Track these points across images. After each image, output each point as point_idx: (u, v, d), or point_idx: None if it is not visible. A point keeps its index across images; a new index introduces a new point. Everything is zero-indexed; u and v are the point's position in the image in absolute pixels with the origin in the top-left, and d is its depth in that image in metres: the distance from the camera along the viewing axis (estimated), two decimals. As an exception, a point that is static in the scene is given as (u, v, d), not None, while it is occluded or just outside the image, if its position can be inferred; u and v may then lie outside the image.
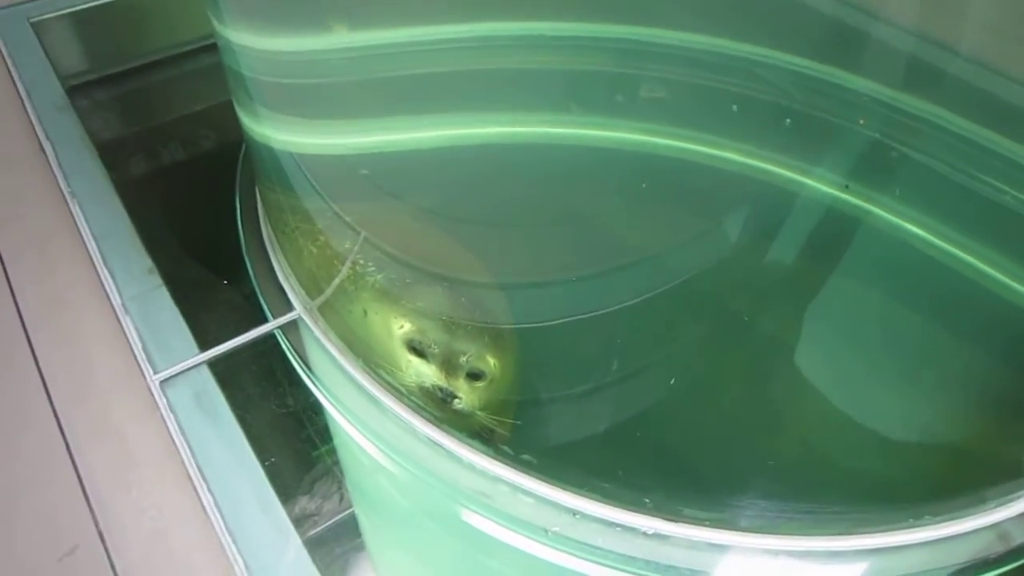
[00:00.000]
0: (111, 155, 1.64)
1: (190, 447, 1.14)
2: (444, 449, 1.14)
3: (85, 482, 1.11)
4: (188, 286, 1.38)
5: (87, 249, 1.38)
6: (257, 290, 1.35)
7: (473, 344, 1.03)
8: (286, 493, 1.12)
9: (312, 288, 1.29)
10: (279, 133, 1.22)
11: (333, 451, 1.19)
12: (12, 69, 1.71)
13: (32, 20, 1.84)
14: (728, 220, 1.21)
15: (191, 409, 1.18)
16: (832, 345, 1.23)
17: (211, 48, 1.81)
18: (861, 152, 1.19)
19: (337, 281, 1.22)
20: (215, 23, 1.21)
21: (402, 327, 1.05)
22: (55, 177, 1.50)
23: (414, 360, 1.05)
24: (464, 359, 1.02)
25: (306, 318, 1.29)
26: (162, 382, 1.20)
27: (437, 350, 1.03)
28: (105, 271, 1.34)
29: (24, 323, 1.28)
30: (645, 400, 1.20)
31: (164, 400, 1.18)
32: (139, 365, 1.23)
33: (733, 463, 1.15)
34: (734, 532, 1.05)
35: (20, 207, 1.46)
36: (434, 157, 1.17)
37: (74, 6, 1.87)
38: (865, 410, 1.17)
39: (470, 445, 1.13)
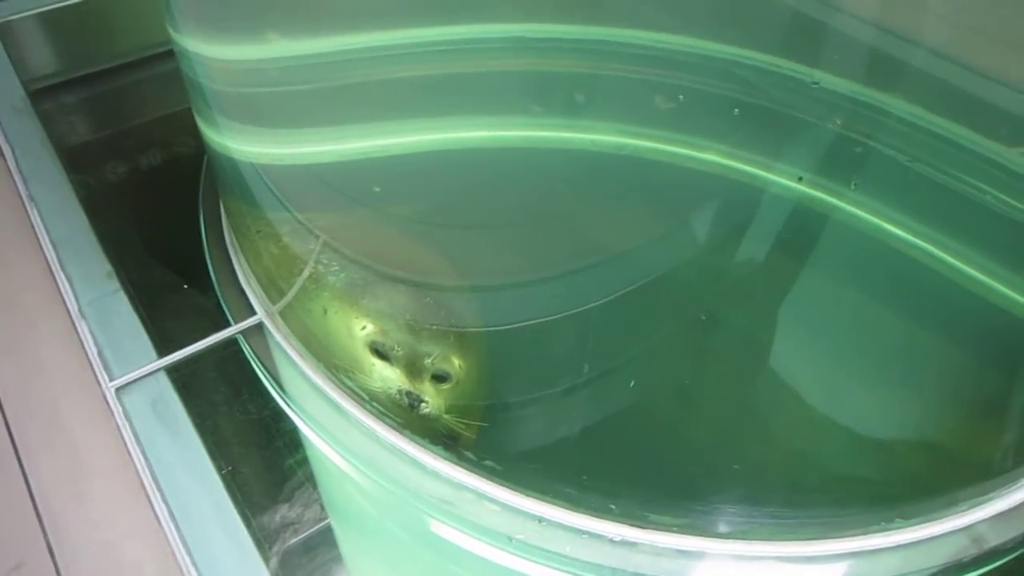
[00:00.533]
0: (73, 159, 1.61)
1: (145, 457, 1.10)
2: (407, 456, 1.11)
3: (35, 493, 1.07)
4: (149, 291, 1.34)
5: (44, 254, 1.35)
6: (219, 294, 1.32)
7: (437, 345, 1.00)
8: (244, 503, 1.09)
9: (274, 292, 1.26)
10: (239, 143, 1.19)
11: (296, 460, 1.16)
12: (-30, 71, 1.68)
13: (-6, 22, 1.81)
14: (700, 219, 1.19)
15: (147, 417, 1.15)
16: (805, 344, 1.21)
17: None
18: (826, 147, 1.17)
19: (299, 284, 1.19)
20: (171, 31, 1.18)
21: (364, 328, 1.01)
22: (14, 182, 1.47)
23: (377, 363, 1.02)
24: (429, 361, 0.99)
25: (268, 322, 1.26)
26: (118, 389, 1.17)
27: (401, 352, 1.00)
28: (62, 276, 1.31)
29: (-24, 331, 1.25)
30: (612, 404, 1.18)
31: (119, 408, 1.15)
32: (94, 372, 1.19)
33: (702, 467, 1.12)
34: (703, 538, 1.03)
35: (-24, 212, 1.42)
36: (399, 163, 1.15)
37: (40, 7, 1.83)
38: (837, 410, 1.15)
39: (434, 451, 1.10)
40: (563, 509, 1.05)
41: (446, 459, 1.09)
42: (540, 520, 1.06)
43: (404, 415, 1.09)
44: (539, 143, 1.18)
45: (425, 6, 1.13)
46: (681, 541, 1.03)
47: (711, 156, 1.23)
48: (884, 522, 1.05)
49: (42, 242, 1.36)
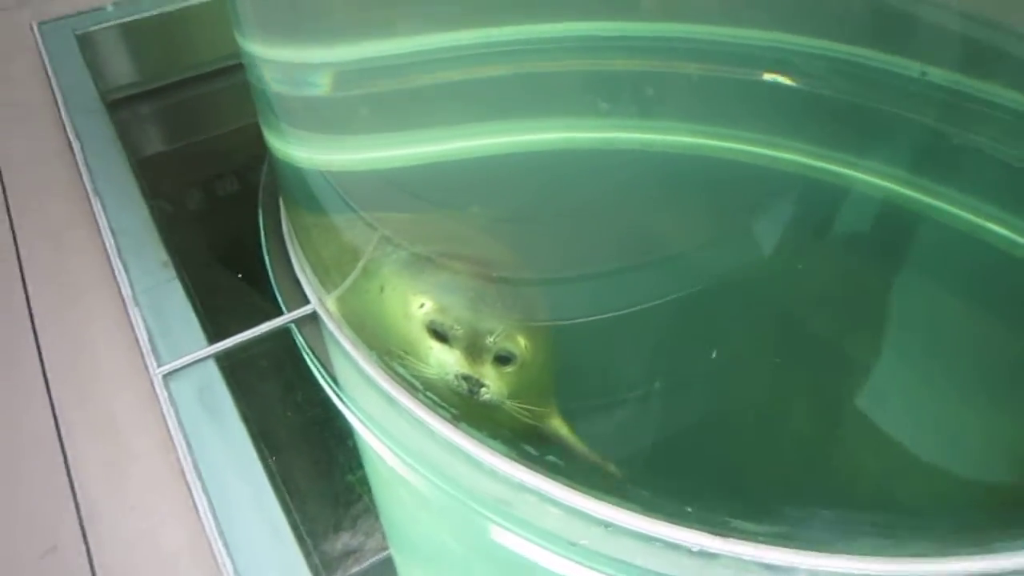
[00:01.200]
0: (143, 158, 1.62)
1: (188, 443, 1.05)
2: (462, 452, 1.02)
3: (74, 477, 1.02)
4: (205, 282, 1.31)
5: (103, 242, 1.33)
6: (273, 283, 1.27)
7: (500, 323, 0.91)
8: (287, 495, 1.01)
9: (329, 281, 1.21)
10: (304, 151, 1.16)
11: (344, 452, 1.09)
12: (51, 75, 1.71)
13: (77, 32, 1.85)
14: (779, 219, 1.10)
15: (193, 404, 1.10)
16: (897, 351, 1.08)
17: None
18: (921, 143, 1.07)
19: (357, 271, 1.13)
20: (238, 36, 1.16)
21: (422, 306, 0.93)
22: (80, 176, 1.47)
23: (435, 346, 0.93)
24: (491, 340, 0.89)
25: (321, 311, 1.20)
26: (165, 375, 1.12)
27: (460, 331, 0.90)
28: (119, 263, 1.29)
29: (32, 312, 1.23)
30: (689, 404, 1.07)
31: (165, 394, 1.10)
32: (143, 358, 1.15)
33: (791, 472, 1.00)
34: (794, 550, 0.90)
35: (42, 200, 1.42)
36: (469, 166, 1.09)
37: (120, 18, 1.87)
38: (933, 421, 1.02)
39: (490, 447, 1.01)
40: (633, 513, 0.94)
41: (503, 455, 1.00)
42: (607, 525, 0.95)
43: (462, 405, 1.01)
44: (612, 144, 1.11)
45: (493, 6, 1.09)
46: (768, 553, 0.90)
47: (791, 155, 1.14)
48: (990, 544, 0.90)
49: (102, 232, 1.35)
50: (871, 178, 1.10)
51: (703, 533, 0.92)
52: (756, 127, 1.13)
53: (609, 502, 0.95)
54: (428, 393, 1.03)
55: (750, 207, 1.10)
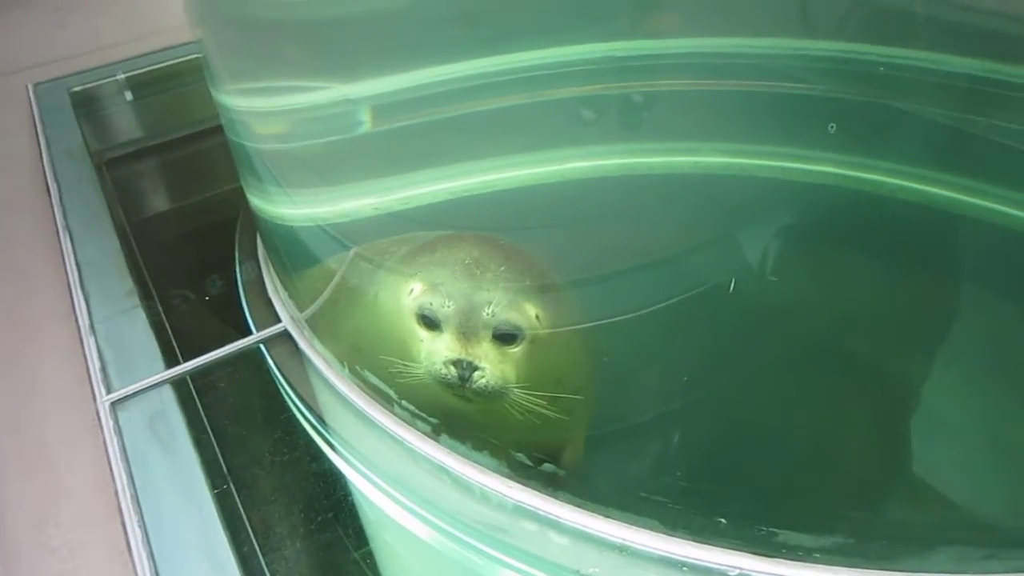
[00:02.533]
0: (122, 202, 1.54)
1: (130, 476, 0.90)
2: (447, 471, 0.86)
3: (-6, 516, 0.87)
4: (176, 308, 1.19)
5: (67, 276, 1.23)
6: (244, 305, 1.14)
7: (503, 288, 0.72)
8: (239, 527, 0.85)
9: (303, 298, 1.07)
10: (289, 208, 1.07)
11: (313, 479, 0.92)
12: (38, 124, 1.67)
13: (71, 90, 1.83)
14: (814, 233, 0.97)
15: (141, 432, 0.95)
16: (947, 362, 0.91)
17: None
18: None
19: (333, 284, 0.99)
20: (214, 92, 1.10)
21: (411, 292, 0.75)
22: (53, 214, 1.38)
23: (426, 336, 0.74)
24: (488, 311, 0.70)
25: (292, 330, 1.07)
26: (113, 403, 0.99)
27: (451, 307, 0.72)
28: (80, 294, 1.18)
29: (-23, 349, 1.11)
30: (713, 417, 0.89)
31: (111, 423, 0.96)
32: (92, 386, 1.02)
33: (837, 487, 0.81)
34: (865, 570, 0.70)
35: (12, 242, 1.33)
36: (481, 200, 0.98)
37: (112, 76, 1.85)
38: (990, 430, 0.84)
39: (480, 464, 0.84)
40: (653, 533, 0.76)
41: (493, 470, 0.83)
42: (622, 549, 0.76)
43: (443, 415, 0.85)
44: (638, 170, 1.00)
45: (501, 33, 1.00)
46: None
47: (821, 167, 1.01)
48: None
49: (68, 265, 1.25)
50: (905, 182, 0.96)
51: (741, 553, 0.73)
52: (781, 141, 1.01)
53: (623, 520, 0.77)
54: (404, 403, 0.87)
55: (786, 221, 0.97)
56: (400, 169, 1.00)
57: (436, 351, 0.73)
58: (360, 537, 0.93)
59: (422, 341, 0.74)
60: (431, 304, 0.72)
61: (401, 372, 0.77)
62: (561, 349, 0.78)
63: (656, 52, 0.96)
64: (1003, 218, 0.91)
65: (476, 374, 0.71)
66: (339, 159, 1.03)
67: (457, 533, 0.82)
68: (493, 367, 0.71)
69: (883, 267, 0.99)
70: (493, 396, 0.72)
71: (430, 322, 0.73)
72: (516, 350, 0.72)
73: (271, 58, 1.03)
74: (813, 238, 0.98)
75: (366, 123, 1.01)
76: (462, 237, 0.79)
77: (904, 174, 0.96)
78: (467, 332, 0.71)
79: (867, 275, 0.98)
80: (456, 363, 0.71)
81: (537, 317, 0.73)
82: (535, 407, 0.72)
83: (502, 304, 0.71)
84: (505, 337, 0.72)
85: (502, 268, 0.73)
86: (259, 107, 1.08)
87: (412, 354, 0.75)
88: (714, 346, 0.92)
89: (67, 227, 1.34)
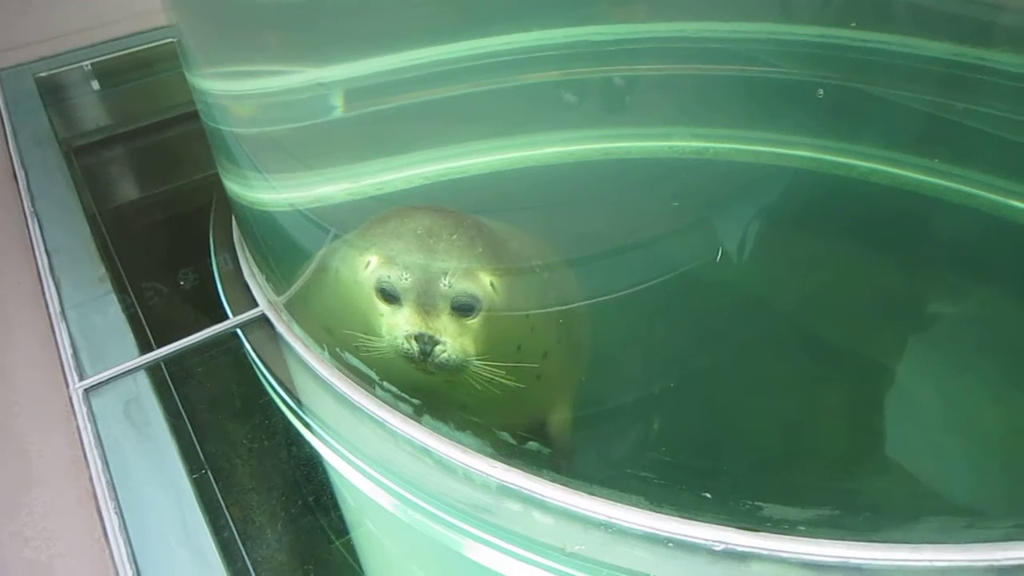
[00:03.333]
0: (92, 188, 1.50)
1: (105, 462, 0.88)
2: (429, 451, 0.85)
3: (-37, 506, 0.85)
4: (149, 294, 1.16)
5: (37, 263, 1.20)
6: (220, 290, 1.13)
7: (457, 258, 0.71)
8: (218, 513, 0.84)
9: (279, 283, 1.06)
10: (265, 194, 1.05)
11: (293, 463, 0.91)
12: (3, 110, 1.63)
13: (37, 76, 1.79)
14: (795, 217, 0.98)
15: (116, 419, 0.93)
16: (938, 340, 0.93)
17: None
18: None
19: (311, 267, 0.98)
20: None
21: (368, 265, 0.74)
22: (21, 200, 1.35)
23: (386, 310, 0.73)
24: (445, 282, 0.70)
25: (270, 314, 1.05)
26: (87, 390, 0.96)
27: (409, 280, 0.71)
28: (50, 281, 1.15)
29: (-57, 338, 1.08)
30: (698, 387, 0.89)
31: (84, 409, 0.94)
32: (64, 374, 0.99)
33: (828, 459, 0.81)
34: (849, 542, 0.71)
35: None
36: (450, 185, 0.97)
37: (77, 63, 1.81)
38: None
39: (459, 441, 0.83)
40: (639, 510, 0.76)
41: (476, 450, 0.82)
42: (607, 527, 0.76)
43: (424, 395, 0.84)
44: (615, 154, 1.00)
45: (483, 15, 0.99)
46: (813, 548, 0.71)
47: (801, 152, 1.02)
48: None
49: (36, 252, 1.22)
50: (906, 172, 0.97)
51: (728, 528, 0.73)
52: (768, 126, 1.02)
53: (608, 498, 0.77)
54: (386, 384, 0.86)
55: (767, 205, 0.98)
56: (376, 153, 0.99)
57: (397, 325, 0.72)
58: (342, 521, 0.92)
59: (383, 315, 0.74)
60: (389, 277, 0.72)
61: (364, 347, 0.76)
62: (519, 314, 0.78)
63: (630, 37, 0.96)
64: (974, 200, 0.92)
65: (438, 348, 0.71)
66: (316, 143, 1.02)
67: (441, 514, 0.81)
68: (453, 340, 0.71)
69: (857, 249, 1.00)
70: (454, 369, 0.72)
71: (389, 295, 0.73)
72: (474, 321, 0.72)
73: (247, 41, 1.01)
74: (787, 221, 0.99)
75: (341, 107, 1.00)
76: (414, 208, 0.79)
77: (876, 157, 0.97)
78: (426, 305, 0.71)
79: (841, 257, 0.99)
80: (418, 337, 0.71)
81: (492, 285, 0.73)
82: (496, 377, 0.71)
83: (458, 274, 0.71)
84: (463, 308, 0.72)
85: (454, 236, 0.73)
86: (235, 90, 1.06)
87: (374, 328, 0.75)
88: (695, 327, 0.92)
89: (35, 213, 1.31)
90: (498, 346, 0.72)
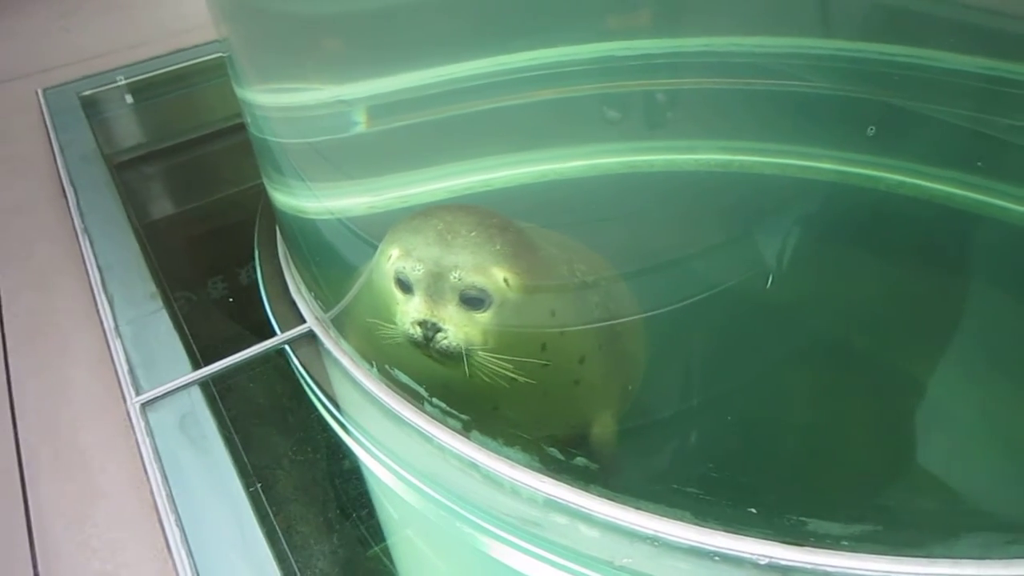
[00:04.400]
0: (138, 204, 1.55)
1: (164, 476, 0.91)
2: (478, 466, 0.87)
3: (32, 515, 0.89)
4: (198, 309, 1.20)
5: (89, 280, 1.24)
6: (268, 307, 1.16)
7: (470, 254, 0.74)
8: (271, 526, 0.87)
9: (330, 298, 1.09)
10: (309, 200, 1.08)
11: (343, 475, 0.94)
12: (51, 129, 1.68)
13: (81, 95, 1.84)
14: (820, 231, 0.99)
15: (172, 433, 0.97)
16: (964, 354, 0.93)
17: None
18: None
19: (358, 284, 1.01)
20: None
21: (390, 258, 0.77)
22: (71, 219, 1.40)
23: (401, 299, 0.76)
24: (455, 275, 0.73)
25: (318, 330, 1.08)
26: (143, 405, 1.00)
27: (421, 271, 0.74)
28: (103, 298, 1.19)
29: (6, 354, 1.12)
30: (740, 403, 0.91)
31: (142, 424, 0.97)
32: (121, 388, 1.03)
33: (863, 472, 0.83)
34: (891, 556, 0.73)
35: (30, 246, 1.35)
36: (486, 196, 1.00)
37: (121, 80, 1.87)
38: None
39: (507, 456, 0.86)
40: (683, 524, 0.78)
41: (524, 465, 0.85)
42: (654, 541, 0.78)
43: (473, 412, 0.87)
44: (639, 167, 1.02)
45: (498, 32, 1.02)
46: (853, 562, 0.73)
47: (821, 163, 1.03)
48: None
49: (89, 269, 1.26)
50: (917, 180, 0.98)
51: (772, 542, 0.75)
52: (786, 138, 1.03)
53: (654, 512, 0.79)
54: (435, 400, 0.89)
55: (788, 218, 0.99)
56: (422, 165, 1.02)
57: (407, 312, 0.76)
58: (389, 534, 0.95)
59: (398, 304, 0.77)
60: (404, 268, 0.75)
61: (383, 333, 0.79)
62: (542, 314, 0.79)
63: (656, 52, 0.98)
64: (1007, 213, 0.93)
65: (439, 335, 0.74)
66: (365, 154, 1.05)
67: (490, 527, 0.84)
68: (457, 329, 0.74)
69: (886, 262, 1.01)
70: (456, 357, 0.74)
71: (404, 285, 0.76)
72: (484, 314, 0.74)
73: (299, 55, 1.04)
74: (815, 233, 1.00)
75: (391, 119, 1.03)
76: (443, 206, 0.82)
77: (904, 170, 0.98)
78: (434, 295, 0.74)
79: (872, 270, 1.01)
80: (422, 323, 0.74)
81: (506, 280, 0.75)
82: (502, 370, 0.73)
83: (468, 268, 0.74)
84: (472, 301, 0.74)
85: (472, 233, 0.76)
86: (286, 103, 1.09)
87: (391, 316, 0.78)
88: (728, 341, 0.94)
89: (86, 230, 1.35)
90: (516, 342, 0.75)
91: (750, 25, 0.96)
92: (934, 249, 0.97)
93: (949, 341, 0.92)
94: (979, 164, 0.92)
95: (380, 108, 1.02)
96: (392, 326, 0.76)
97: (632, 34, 0.97)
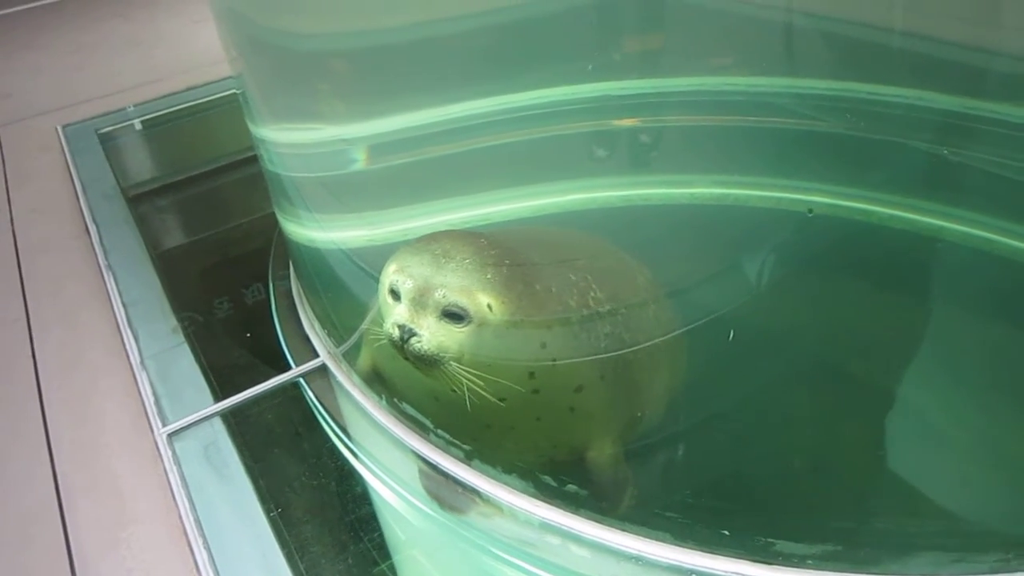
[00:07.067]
0: (156, 238, 1.64)
1: (191, 502, 0.99)
2: (479, 491, 0.96)
3: (72, 541, 0.97)
4: (216, 343, 1.29)
5: (115, 315, 1.33)
6: (283, 342, 1.25)
7: (459, 278, 0.82)
8: (293, 547, 0.95)
9: (342, 334, 1.17)
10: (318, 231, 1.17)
11: (355, 501, 1.02)
12: (72, 166, 1.77)
13: (99, 131, 1.93)
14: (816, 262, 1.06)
15: (198, 462, 1.05)
16: (941, 373, 1.01)
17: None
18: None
19: (370, 316, 1.09)
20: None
21: (388, 271, 0.86)
22: (95, 255, 1.49)
23: (391, 305, 0.85)
24: (440, 293, 0.82)
25: (330, 364, 1.17)
26: (170, 435, 1.08)
27: (410, 284, 0.83)
28: (128, 333, 1.27)
29: (40, 387, 1.21)
30: (719, 430, 1.00)
31: (169, 453, 1.06)
32: (148, 419, 1.12)
33: (838, 494, 0.91)
34: (851, 574, 0.81)
35: (57, 282, 1.43)
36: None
37: (138, 117, 1.96)
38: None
39: (505, 482, 0.94)
40: (666, 545, 0.86)
41: (521, 491, 0.93)
42: (637, 559, 0.87)
43: (474, 440, 0.95)
44: (635, 201, 1.09)
45: (502, 74, 1.10)
46: (819, 579, 0.81)
47: (813, 197, 1.10)
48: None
49: (114, 304, 1.35)
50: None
51: (744, 561, 0.83)
52: (778, 172, 1.10)
53: (638, 534, 0.87)
54: (439, 431, 0.98)
55: (784, 250, 1.06)
56: (432, 197, 1.10)
57: (392, 316, 0.84)
58: (395, 552, 1.02)
59: (388, 309, 0.86)
60: (396, 281, 0.84)
61: (374, 334, 0.88)
62: (530, 344, 0.86)
63: (652, 91, 1.06)
64: (993, 245, 1.00)
65: (413, 339, 0.82)
66: (374, 189, 1.13)
67: (490, 547, 0.92)
68: (431, 336, 0.82)
69: (875, 291, 1.08)
70: (428, 362, 0.82)
71: (395, 294, 0.85)
72: (462, 330, 0.82)
73: (313, 92, 1.11)
74: (807, 265, 1.08)
75: (401, 155, 1.11)
76: (448, 232, 0.91)
77: (894, 203, 1.06)
78: (418, 306, 0.83)
79: (859, 299, 1.08)
80: (401, 327, 0.82)
81: (489, 307, 0.83)
82: (474, 386, 0.81)
83: (453, 288, 0.82)
84: (453, 316, 0.82)
85: (467, 260, 0.84)
86: (300, 140, 1.17)
87: (383, 321, 0.87)
88: (713, 371, 1.02)
89: (110, 267, 1.44)
90: (499, 364, 0.83)
91: (746, 66, 1.04)
92: (922, 280, 1.03)
93: (914, 371, 0.99)
94: (970, 197, 0.99)
95: (389, 145, 1.10)
96: (380, 329, 0.85)
97: (625, 74, 1.05)
